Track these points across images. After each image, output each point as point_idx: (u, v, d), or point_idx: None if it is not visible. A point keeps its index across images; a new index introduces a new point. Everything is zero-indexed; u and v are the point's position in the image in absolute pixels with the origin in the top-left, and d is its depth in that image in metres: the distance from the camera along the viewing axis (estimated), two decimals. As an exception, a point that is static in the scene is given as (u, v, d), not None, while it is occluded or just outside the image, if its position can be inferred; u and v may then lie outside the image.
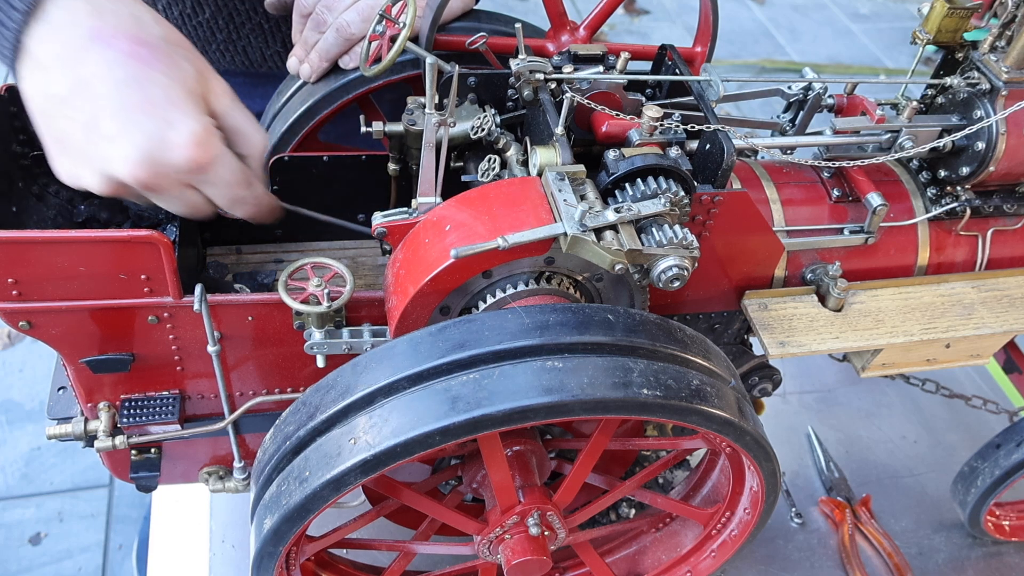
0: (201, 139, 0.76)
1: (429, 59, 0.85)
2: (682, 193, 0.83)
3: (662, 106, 0.88)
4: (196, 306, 0.84)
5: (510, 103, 0.99)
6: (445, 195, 0.85)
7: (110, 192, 0.78)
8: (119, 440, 0.93)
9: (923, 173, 1.04)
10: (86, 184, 0.77)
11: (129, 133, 0.73)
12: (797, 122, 1.01)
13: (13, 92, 0.93)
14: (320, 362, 0.88)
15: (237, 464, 1.02)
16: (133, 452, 0.99)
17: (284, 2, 1.15)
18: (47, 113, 0.75)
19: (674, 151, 0.86)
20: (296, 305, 0.83)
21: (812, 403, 1.52)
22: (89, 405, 0.93)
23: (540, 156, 0.84)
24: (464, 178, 0.99)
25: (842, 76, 2.76)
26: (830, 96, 1.00)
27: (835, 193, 1.00)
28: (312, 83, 1.05)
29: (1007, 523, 1.31)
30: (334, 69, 1.03)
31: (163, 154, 0.74)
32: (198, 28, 1.23)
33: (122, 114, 0.72)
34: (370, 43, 0.95)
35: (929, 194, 1.03)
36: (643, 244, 0.79)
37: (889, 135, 0.97)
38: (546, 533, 0.92)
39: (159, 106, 0.73)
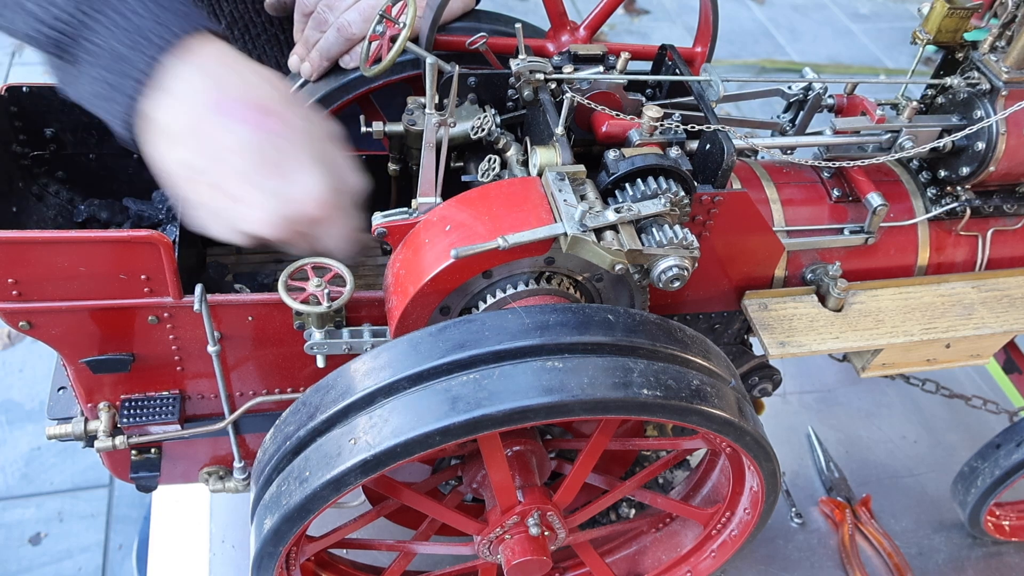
0: (322, 196, 0.80)
1: (429, 59, 0.85)
2: (682, 193, 0.83)
3: (662, 106, 0.88)
4: (196, 306, 0.84)
5: (510, 103, 0.99)
6: (445, 195, 0.85)
7: (244, 243, 0.82)
8: (119, 440, 0.93)
9: (923, 173, 1.04)
10: (221, 238, 0.82)
11: (257, 196, 0.78)
12: (797, 122, 1.01)
13: (13, 92, 0.93)
14: (320, 362, 0.88)
15: (237, 464, 1.02)
16: (133, 452, 0.99)
17: (284, 2, 1.15)
18: (177, 176, 0.79)
19: (674, 151, 0.86)
20: (296, 305, 0.83)
21: (812, 403, 1.52)
22: (89, 405, 0.93)
23: (540, 156, 0.84)
24: (464, 178, 0.99)
25: (842, 76, 2.76)
26: (830, 96, 1.00)
27: (835, 193, 1.00)
28: (313, 82, 1.05)
29: (1007, 523, 1.31)
30: (334, 68, 1.03)
31: (289, 212, 0.79)
32: None
33: (249, 178, 0.77)
34: (370, 43, 0.95)
35: (929, 194, 1.03)
36: (643, 244, 0.79)
37: (889, 135, 0.97)
38: (546, 533, 0.92)
39: (282, 168, 0.78)
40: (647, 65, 1.01)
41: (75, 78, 0.77)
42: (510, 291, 0.83)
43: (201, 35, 0.77)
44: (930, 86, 1.03)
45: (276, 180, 0.78)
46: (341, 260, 0.88)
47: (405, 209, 0.84)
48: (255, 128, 0.77)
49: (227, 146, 0.76)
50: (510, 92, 0.98)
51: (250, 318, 0.88)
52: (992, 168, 0.97)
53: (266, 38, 1.25)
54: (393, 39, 0.91)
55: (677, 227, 0.80)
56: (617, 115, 0.88)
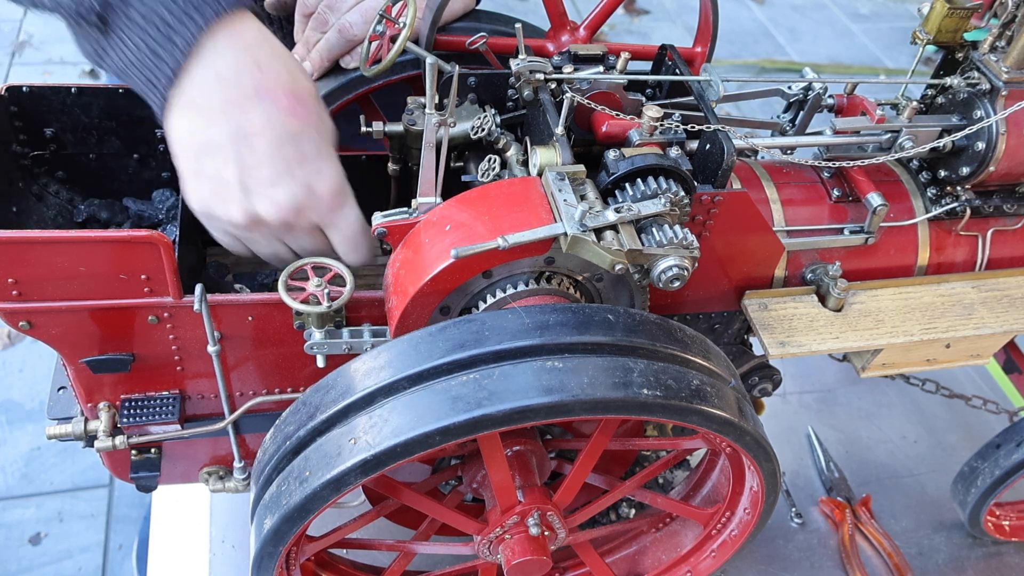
0: (341, 187, 0.84)
1: (429, 59, 0.85)
2: (682, 193, 0.83)
3: (662, 106, 0.88)
4: (196, 306, 0.84)
5: (510, 103, 0.99)
6: (445, 195, 0.85)
7: (243, 227, 0.82)
8: (119, 440, 0.93)
9: (923, 173, 1.04)
10: (221, 215, 0.82)
11: (284, 182, 0.80)
12: (797, 122, 1.01)
13: (13, 92, 0.93)
14: (320, 362, 0.88)
15: (237, 464, 1.02)
16: (133, 452, 0.99)
17: (284, 2, 1.15)
18: (199, 152, 0.79)
19: (674, 151, 0.86)
20: (296, 305, 0.83)
21: (812, 403, 1.52)
22: (89, 405, 0.93)
23: (540, 156, 0.84)
24: (464, 178, 0.99)
25: (842, 76, 2.76)
26: (830, 96, 1.00)
27: (835, 193, 1.00)
28: (313, 81, 1.05)
29: (1007, 523, 1.31)
30: (334, 68, 1.03)
31: (309, 200, 0.82)
32: None
33: (278, 164, 0.79)
34: (370, 43, 0.95)
35: (929, 194, 1.03)
36: (643, 244, 0.79)
37: (889, 135, 0.97)
38: (546, 533, 0.92)
39: (310, 158, 0.80)
40: (647, 65, 1.01)
41: (110, 47, 0.76)
42: (510, 291, 0.83)
43: (243, 12, 0.77)
44: (930, 86, 1.03)
45: (305, 171, 0.80)
46: (349, 264, 0.88)
47: (405, 209, 0.84)
48: (292, 118, 0.78)
49: (260, 129, 0.77)
50: (510, 92, 0.98)
51: (250, 318, 0.88)
52: (992, 168, 0.97)
53: (282, 36, 1.25)
54: (393, 39, 0.91)
55: (677, 227, 0.80)
56: (617, 115, 0.88)
